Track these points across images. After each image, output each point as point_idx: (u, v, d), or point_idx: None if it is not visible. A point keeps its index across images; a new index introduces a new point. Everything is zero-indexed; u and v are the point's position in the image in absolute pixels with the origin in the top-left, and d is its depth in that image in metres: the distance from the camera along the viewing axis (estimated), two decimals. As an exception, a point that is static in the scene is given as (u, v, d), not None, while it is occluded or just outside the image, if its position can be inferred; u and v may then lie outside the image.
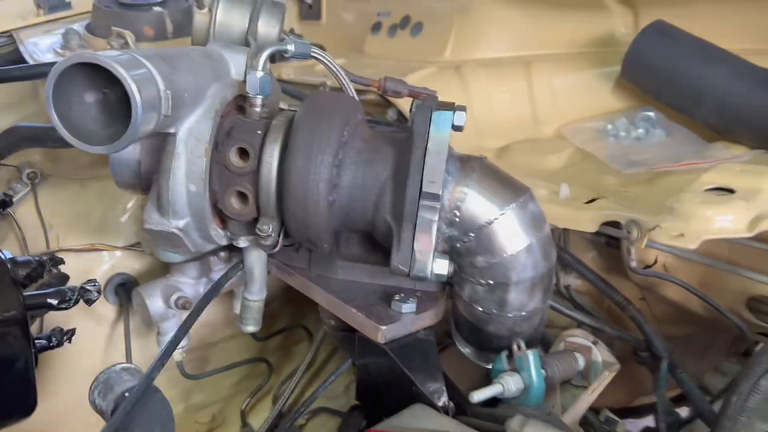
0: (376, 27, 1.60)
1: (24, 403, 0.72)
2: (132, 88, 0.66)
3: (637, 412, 1.37)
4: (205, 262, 1.10)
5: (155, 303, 1.04)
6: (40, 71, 1.06)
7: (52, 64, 1.08)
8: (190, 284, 1.09)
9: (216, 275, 1.11)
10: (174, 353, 1.11)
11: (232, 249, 1.03)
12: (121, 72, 0.65)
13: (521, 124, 1.32)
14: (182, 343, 1.12)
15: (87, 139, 0.71)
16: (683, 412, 1.09)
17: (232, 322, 1.33)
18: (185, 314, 1.08)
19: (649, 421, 1.41)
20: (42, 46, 1.24)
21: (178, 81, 0.74)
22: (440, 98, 1.08)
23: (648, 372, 1.12)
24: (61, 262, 0.81)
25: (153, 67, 0.70)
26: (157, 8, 1.21)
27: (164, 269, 1.18)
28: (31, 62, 1.19)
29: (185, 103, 0.76)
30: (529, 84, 1.33)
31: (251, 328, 0.96)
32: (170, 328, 1.09)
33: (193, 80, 0.78)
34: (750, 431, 1.02)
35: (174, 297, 1.05)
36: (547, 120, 1.32)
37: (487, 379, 0.89)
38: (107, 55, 0.66)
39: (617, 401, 1.33)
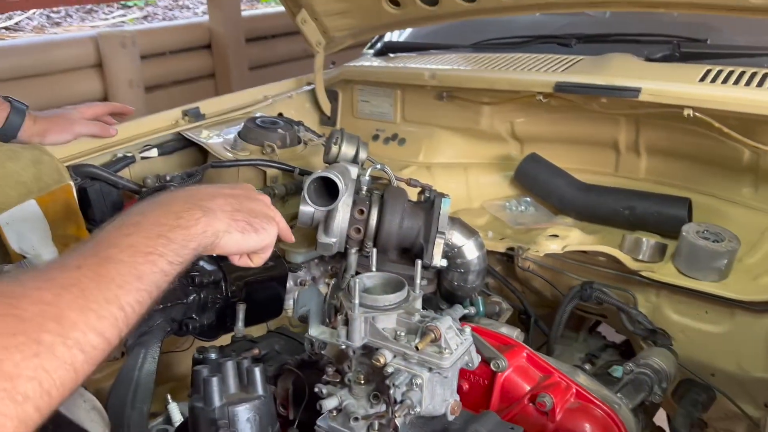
0: (375, 137, 2.71)
1: (279, 310, 1.73)
2: (342, 188, 1.72)
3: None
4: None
5: (289, 282, 2.05)
6: (275, 165, 2.10)
7: (253, 160, 2.11)
8: (302, 275, 2.11)
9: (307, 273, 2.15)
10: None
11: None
12: (340, 184, 1.71)
13: (462, 201, 2.47)
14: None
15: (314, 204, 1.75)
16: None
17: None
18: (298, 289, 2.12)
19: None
20: (215, 145, 2.24)
21: (345, 181, 1.81)
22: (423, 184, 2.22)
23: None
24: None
25: (342, 177, 1.76)
26: (280, 130, 2.26)
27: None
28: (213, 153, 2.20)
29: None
30: (467, 179, 2.50)
31: (346, 293, 2.01)
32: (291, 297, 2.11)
33: (347, 180, 1.85)
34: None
35: (298, 280, 2.07)
36: (476, 199, 2.48)
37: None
38: (332, 174, 1.72)
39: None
